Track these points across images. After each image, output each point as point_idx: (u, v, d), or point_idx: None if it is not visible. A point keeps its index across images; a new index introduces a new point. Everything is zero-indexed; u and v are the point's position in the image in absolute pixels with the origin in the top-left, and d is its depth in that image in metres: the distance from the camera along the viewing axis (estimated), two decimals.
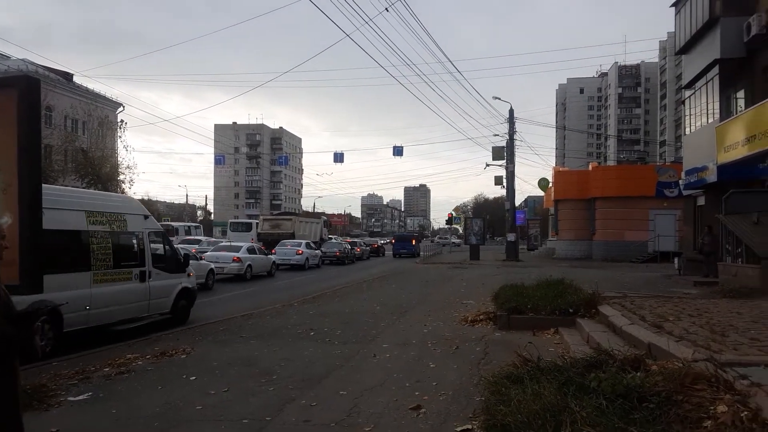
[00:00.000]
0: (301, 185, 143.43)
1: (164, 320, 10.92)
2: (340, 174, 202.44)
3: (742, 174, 17.19)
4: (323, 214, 77.97)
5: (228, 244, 25.51)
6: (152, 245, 10.75)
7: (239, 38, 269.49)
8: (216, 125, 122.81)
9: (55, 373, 6.81)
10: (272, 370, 6.96)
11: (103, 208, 9.68)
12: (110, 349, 8.39)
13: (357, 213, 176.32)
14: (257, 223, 42.14)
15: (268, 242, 34.16)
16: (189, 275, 11.93)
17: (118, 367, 7.18)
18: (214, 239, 37.82)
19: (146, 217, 10.87)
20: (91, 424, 5.09)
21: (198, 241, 35.88)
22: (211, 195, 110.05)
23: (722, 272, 15.04)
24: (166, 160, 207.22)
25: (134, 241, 10.32)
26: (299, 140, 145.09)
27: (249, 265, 22.31)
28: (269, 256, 25.79)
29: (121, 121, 44.66)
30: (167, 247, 11.49)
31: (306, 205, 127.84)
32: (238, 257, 21.86)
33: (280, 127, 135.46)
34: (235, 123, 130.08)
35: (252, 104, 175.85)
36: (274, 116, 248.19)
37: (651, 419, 3.65)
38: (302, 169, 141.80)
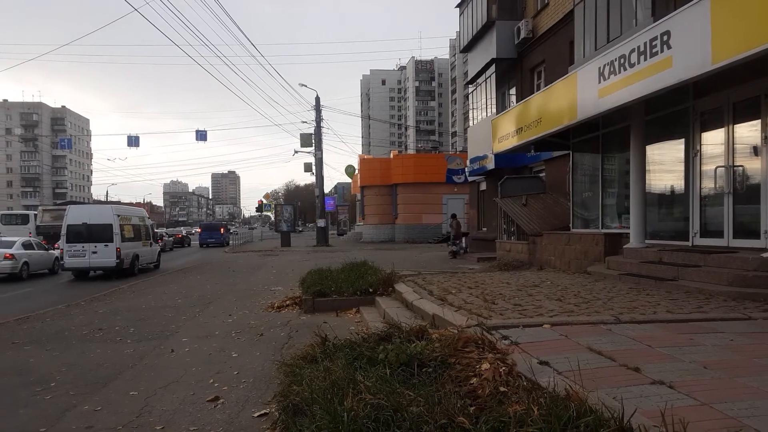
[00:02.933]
0: (91, 171, 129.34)
1: None
2: (137, 159, 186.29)
3: (514, 162, 19.72)
4: (118, 202, 71.29)
5: None
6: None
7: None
8: None
9: None
10: (50, 377, 6.26)
11: (135, 217, 22.17)
12: None
13: (159, 202, 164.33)
14: (36, 215, 37.06)
15: (51, 235, 30.27)
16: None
17: None
18: None
19: (146, 217, 23.53)
20: None
21: None
22: None
23: (499, 249, 17.12)
24: None
25: (144, 230, 22.47)
26: (86, 121, 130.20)
27: (25, 263, 19.59)
28: (51, 251, 22.87)
29: None
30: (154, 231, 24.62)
31: (98, 193, 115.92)
32: (10, 254, 19.05)
33: (63, 106, 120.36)
34: (6, 101, 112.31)
35: (24, 80, 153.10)
36: (52, 94, 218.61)
37: (428, 382, 4.05)
38: (91, 154, 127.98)
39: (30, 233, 30.66)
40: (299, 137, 39.20)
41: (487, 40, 20.81)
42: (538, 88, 18.01)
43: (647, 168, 10.68)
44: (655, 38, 7.90)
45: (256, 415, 4.75)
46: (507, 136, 13.95)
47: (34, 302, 13.53)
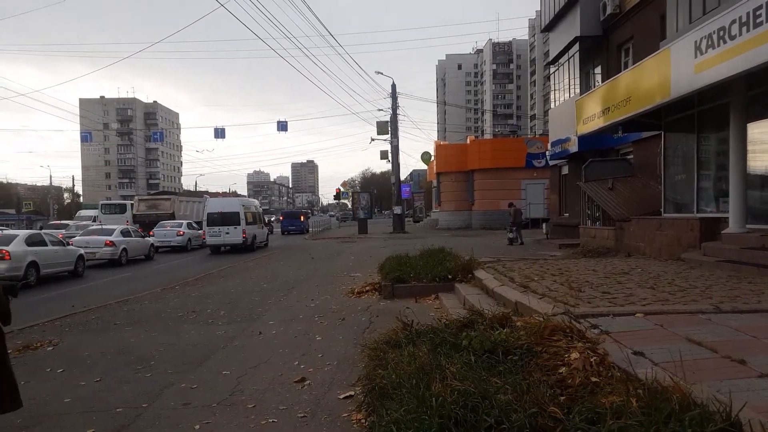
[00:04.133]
0: (181, 163, 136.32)
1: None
2: (223, 151, 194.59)
3: (599, 144, 18.87)
4: (206, 192, 74.88)
5: (99, 227, 23.75)
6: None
7: (96, 6, 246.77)
8: (81, 100, 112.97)
9: None
10: (150, 357, 6.68)
11: (253, 206, 29.26)
12: None
13: (243, 191, 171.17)
14: (132, 204, 39.62)
15: (146, 224, 32.31)
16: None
17: None
18: (82, 223, 35.03)
19: (257, 205, 30.41)
20: None
21: (65, 226, 33.13)
22: (79, 175, 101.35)
23: (583, 235, 16.50)
24: (19, 139, 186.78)
25: (258, 216, 28.82)
26: (176, 115, 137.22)
27: (124, 249, 21.00)
28: (147, 238, 24.39)
29: None
30: (262, 216, 30.05)
31: (187, 183, 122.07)
32: (110, 241, 20.48)
33: (154, 101, 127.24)
34: (103, 97, 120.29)
35: (117, 77, 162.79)
36: (142, 90, 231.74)
37: (514, 370, 3.97)
38: (181, 146, 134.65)
39: (127, 222, 32.79)
40: (375, 125, 39.46)
41: (570, 18, 19.96)
42: (626, 66, 17.09)
43: (748, 148, 9.90)
44: (760, 7, 7.27)
45: (341, 396, 4.85)
46: (592, 117, 13.36)
47: (132, 286, 14.48)
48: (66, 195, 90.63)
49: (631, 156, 17.63)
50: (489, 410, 3.07)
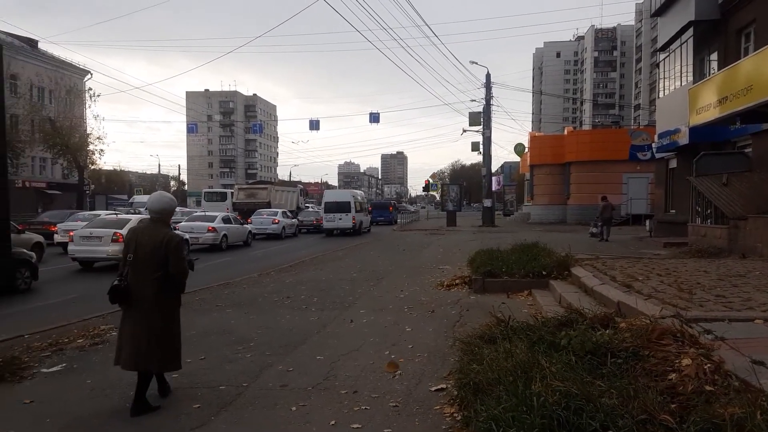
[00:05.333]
0: (277, 153, 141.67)
1: None
2: (316, 142, 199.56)
3: (713, 136, 17.49)
4: (299, 182, 77.41)
5: (202, 214, 25.20)
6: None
7: (203, 3, 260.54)
8: (188, 93, 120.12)
9: (28, 346, 6.73)
10: (249, 338, 6.98)
11: (359, 197, 34.84)
12: (84, 322, 8.29)
13: (334, 181, 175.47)
14: (232, 193, 41.67)
15: (244, 212, 33.86)
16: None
17: (93, 338, 7.13)
18: (187, 209, 37.35)
19: (362, 196, 36.14)
20: (65, 394, 5.06)
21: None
22: (184, 164, 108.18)
23: (691, 233, 15.39)
24: (132, 129, 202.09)
25: (364, 205, 35.01)
26: (274, 107, 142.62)
27: (224, 235, 22.13)
28: (245, 225, 25.58)
29: (90, 89, 43.27)
30: (366, 206, 36.74)
31: (282, 173, 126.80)
32: (213, 227, 21.65)
33: (254, 94, 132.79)
34: (207, 90, 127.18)
35: (219, 71, 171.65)
36: (242, 83, 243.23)
37: (618, 373, 3.75)
38: (277, 137, 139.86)
39: (227, 209, 34.56)
40: (467, 116, 38.90)
41: (684, 1, 18.57)
42: (746, 52, 15.65)
43: None
44: None
45: (433, 389, 4.81)
46: (707, 107, 12.39)
47: (232, 270, 15.24)
48: (172, 183, 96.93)
49: (749, 149, 16.18)
50: (593, 414, 2.92)
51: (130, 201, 35.89)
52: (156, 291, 4.59)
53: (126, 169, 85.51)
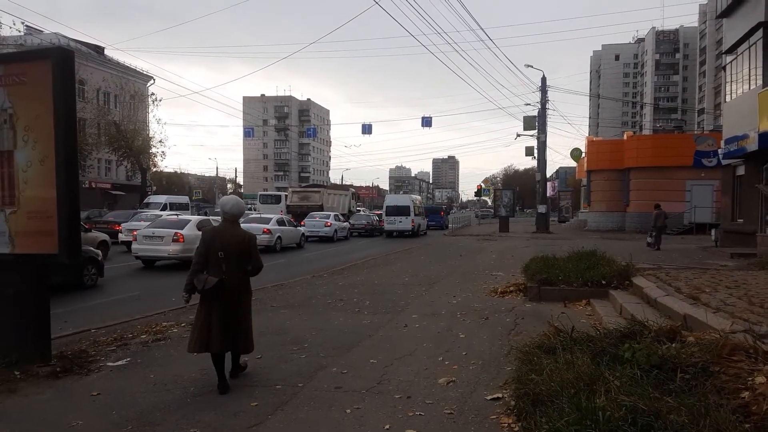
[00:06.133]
0: (329, 157, 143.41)
1: None
2: (367, 146, 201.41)
3: None
4: (351, 186, 78.04)
5: (258, 216, 25.77)
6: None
7: (253, 8, 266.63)
8: (244, 98, 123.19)
9: (95, 340, 7.04)
10: (303, 339, 7.07)
11: (417, 201, 37.20)
12: (146, 318, 8.61)
13: (385, 185, 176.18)
14: (286, 196, 42.45)
15: (297, 214, 34.44)
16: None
17: (155, 334, 7.38)
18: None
19: (420, 200, 39.56)
20: (130, 388, 5.26)
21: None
22: (240, 167, 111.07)
23: (761, 243, 14.61)
24: (190, 133, 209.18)
25: (421, 209, 37.70)
26: (327, 112, 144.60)
27: (279, 237, 22.54)
28: (298, 228, 25.98)
29: (152, 94, 45.11)
30: (423, 210, 39.66)
31: (334, 177, 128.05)
32: (268, 229, 22.08)
33: (308, 99, 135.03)
34: (263, 95, 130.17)
35: (272, 77, 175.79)
36: (296, 88, 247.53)
37: (687, 389, 3.59)
38: (330, 141, 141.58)
39: (282, 211, 35.20)
40: (521, 120, 38.26)
41: (752, 2, 17.75)
42: None
43: None
44: None
45: (488, 398, 4.74)
46: None
47: (286, 272, 15.49)
48: (229, 185, 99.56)
49: None
50: (661, 431, 2.79)
51: (146, 201, 36.25)
52: (246, 282, 5.36)
53: (185, 172, 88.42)
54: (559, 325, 5.35)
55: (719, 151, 23.30)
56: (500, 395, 4.71)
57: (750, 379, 3.80)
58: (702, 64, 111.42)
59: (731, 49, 20.32)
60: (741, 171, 20.83)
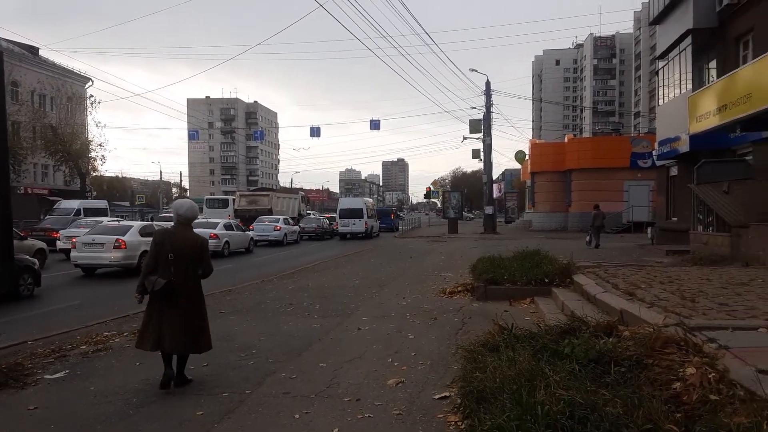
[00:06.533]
0: (278, 161, 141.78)
1: None
2: (317, 149, 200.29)
3: (713, 144, 17.51)
4: (301, 189, 77.42)
5: (205, 220, 25.22)
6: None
7: (199, 10, 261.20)
8: (189, 100, 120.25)
9: (31, 352, 6.73)
10: (252, 345, 6.98)
11: (370, 204, 39.32)
12: (87, 328, 8.29)
13: (335, 188, 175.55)
14: (234, 200, 41.70)
15: (246, 218, 33.88)
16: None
17: (96, 344, 7.13)
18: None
19: (372, 203, 41.88)
20: (69, 401, 5.06)
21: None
22: (185, 171, 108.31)
23: (693, 240, 15.39)
24: (131, 136, 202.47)
25: (373, 211, 38.95)
26: (275, 114, 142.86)
27: (226, 242, 22.14)
28: (247, 232, 25.59)
29: (91, 96, 43.49)
30: (375, 212, 41.20)
31: (283, 180, 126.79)
32: (215, 234, 21.63)
33: (255, 101, 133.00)
34: (208, 97, 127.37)
35: (217, 79, 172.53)
36: (242, 90, 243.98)
37: (622, 382, 3.75)
38: (279, 144, 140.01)
39: (229, 216, 34.56)
40: (468, 123, 38.97)
41: (682, 9, 18.66)
42: (745, 60, 15.71)
43: None
44: None
45: (436, 397, 4.81)
46: (707, 114, 12.43)
47: (234, 277, 15.21)
48: (174, 189, 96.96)
49: (751, 157, 16.21)
50: (598, 423, 2.92)
51: (54, 207, 32.77)
52: (197, 284, 5.42)
53: (128, 176, 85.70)
54: (503, 323, 5.49)
55: (654, 152, 24.39)
56: (447, 394, 4.79)
57: (681, 370, 4.00)
58: (637, 69, 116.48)
59: (663, 55, 21.34)
60: (674, 171, 21.90)
